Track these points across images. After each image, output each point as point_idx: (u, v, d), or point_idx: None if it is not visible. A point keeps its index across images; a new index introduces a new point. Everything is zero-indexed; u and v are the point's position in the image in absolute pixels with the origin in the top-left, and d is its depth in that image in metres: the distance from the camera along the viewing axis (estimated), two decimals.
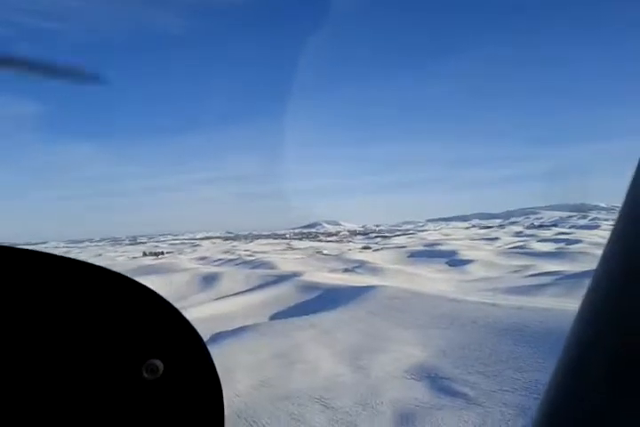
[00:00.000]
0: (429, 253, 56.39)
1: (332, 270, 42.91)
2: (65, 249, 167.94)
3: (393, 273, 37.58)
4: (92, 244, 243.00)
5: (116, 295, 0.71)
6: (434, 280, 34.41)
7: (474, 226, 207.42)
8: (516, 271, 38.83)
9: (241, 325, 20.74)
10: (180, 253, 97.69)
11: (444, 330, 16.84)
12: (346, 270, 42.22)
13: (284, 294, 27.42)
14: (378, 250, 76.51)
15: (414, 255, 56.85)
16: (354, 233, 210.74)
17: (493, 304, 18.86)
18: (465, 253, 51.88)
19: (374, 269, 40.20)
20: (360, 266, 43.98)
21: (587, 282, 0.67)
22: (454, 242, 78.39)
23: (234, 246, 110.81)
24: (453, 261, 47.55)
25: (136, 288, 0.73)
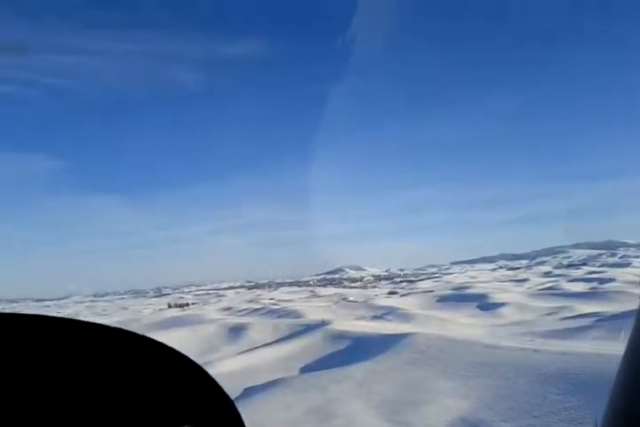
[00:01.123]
0: (458, 297, 55.15)
1: (360, 318, 42.05)
2: (90, 303, 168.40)
3: (424, 319, 36.62)
4: (117, 297, 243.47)
5: (146, 360, 0.71)
6: (466, 325, 33.39)
7: (500, 267, 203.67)
8: (550, 314, 37.57)
9: (272, 378, 20.16)
10: (204, 304, 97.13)
11: (485, 379, 16.09)
12: (375, 317, 41.31)
13: (313, 345, 26.75)
14: (405, 295, 75.24)
15: (443, 300, 55.60)
16: (378, 278, 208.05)
17: (535, 350, 18.06)
18: (495, 296, 50.63)
19: (404, 316, 39.26)
20: (389, 313, 43.05)
21: (630, 323, 0.68)
22: (482, 285, 76.84)
23: (258, 295, 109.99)
24: (484, 304, 46.33)
25: (167, 353, 0.73)
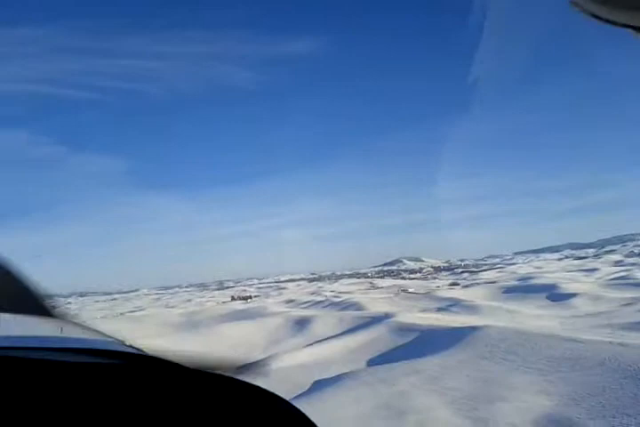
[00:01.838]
0: (525, 288, 53.21)
1: (424, 310, 41.25)
2: (156, 296, 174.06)
3: (491, 311, 35.48)
4: (182, 290, 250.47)
5: (248, 407, 0.71)
6: (538, 317, 32.04)
7: (566, 257, 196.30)
8: (628, 304, 35.53)
9: (340, 371, 19.88)
10: (266, 297, 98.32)
11: (567, 374, 15.20)
12: (439, 309, 40.40)
13: (379, 337, 26.33)
14: (468, 286, 73.48)
15: (509, 291, 53.82)
16: (438, 269, 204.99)
17: (621, 344, 16.94)
18: (565, 287, 48.47)
19: (470, 308, 38.18)
20: (454, 304, 42.02)
21: None
22: (549, 275, 74.01)
23: (319, 288, 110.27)
24: (554, 295, 44.44)
25: (267, 397, 0.72)
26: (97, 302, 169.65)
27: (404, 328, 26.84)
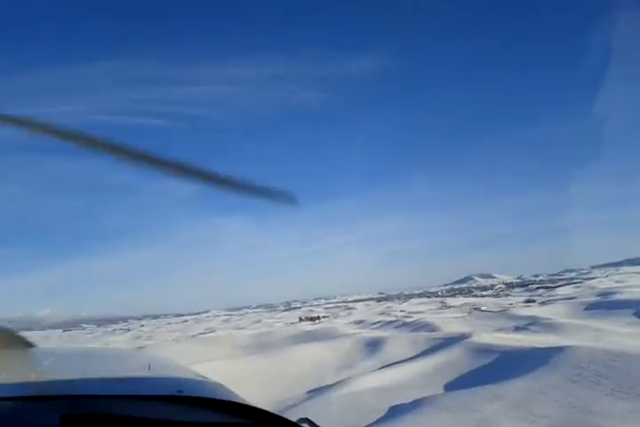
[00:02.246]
0: (608, 305, 50.03)
1: (501, 329, 39.50)
2: (225, 317, 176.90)
3: (574, 329, 33.41)
4: (250, 310, 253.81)
5: None
6: (628, 336, 29.82)
7: None
8: None
9: (417, 396, 19.07)
10: (335, 317, 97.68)
11: None
12: (517, 329, 38.55)
13: (456, 360, 25.23)
14: (544, 303, 70.16)
15: (591, 307, 50.80)
16: (510, 285, 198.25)
17: None
18: None
19: (550, 326, 36.15)
20: (532, 323, 39.98)
21: None
22: (633, 289, 69.46)
23: (388, 308, 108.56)
24: None
25: None
26: (169, 323, 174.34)
27: (481, 349, 25.60)
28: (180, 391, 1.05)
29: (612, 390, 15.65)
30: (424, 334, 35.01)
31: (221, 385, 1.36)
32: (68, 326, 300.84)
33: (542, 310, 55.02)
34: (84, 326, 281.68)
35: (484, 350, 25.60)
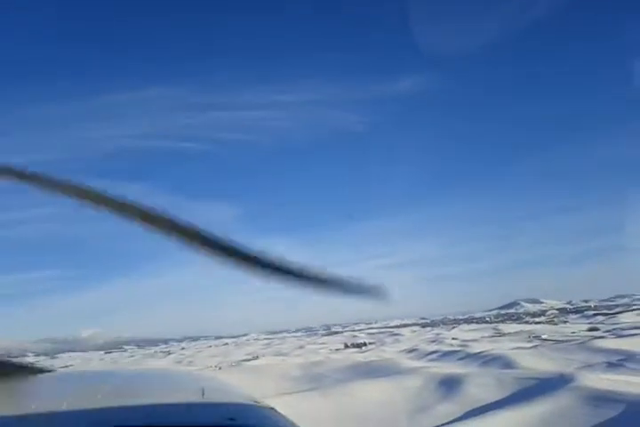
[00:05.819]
0: None
1: (588, 366, 34.17)
2: (266, 341, 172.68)
3: None
4: (289, 335, 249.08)
5: None
6: None
7: None
8: None
9: None
10: (382, 344, 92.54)
11: None
12: (611, 365, 33.12)
13: (567, 408, 20.35)
14: (613, 332, 63.80)
15: None
16: (563, 311, 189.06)
17: None
18: None
19: None
20: (626, 358, 34.57)
21: None
22: None
23: (437, 335, 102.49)
24: None
25: None
26: (209, 346, 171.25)
27: (599, 397, 20.53)
28: (232, 420, 1.05)
29: None
30: (508, 373, 29.91)
31: (275, 411, 1.34)
32: (110, 346, 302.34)
33: (623, 342, 48.78)
34: (125, 347, 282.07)
35: (603, 398, 20.56)
